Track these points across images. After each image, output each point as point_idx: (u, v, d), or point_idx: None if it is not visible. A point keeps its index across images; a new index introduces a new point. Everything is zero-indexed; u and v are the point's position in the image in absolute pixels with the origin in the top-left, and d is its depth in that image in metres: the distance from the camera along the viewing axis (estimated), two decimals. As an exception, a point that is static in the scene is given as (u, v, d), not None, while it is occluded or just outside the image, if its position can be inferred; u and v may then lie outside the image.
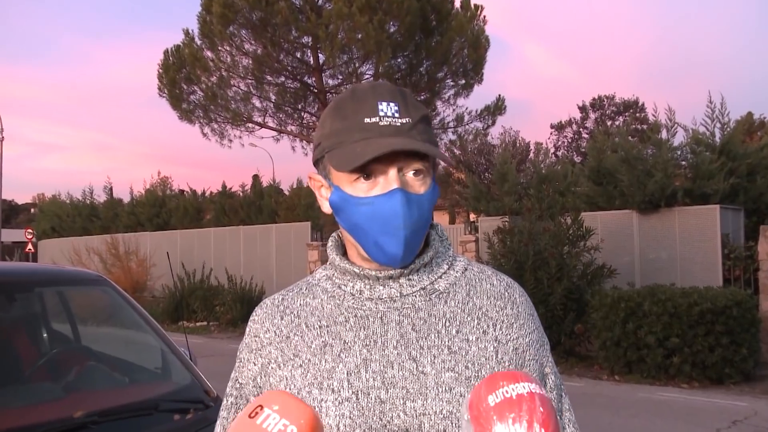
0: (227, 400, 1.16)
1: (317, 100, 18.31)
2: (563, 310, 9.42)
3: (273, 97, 18.71)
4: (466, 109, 19.33)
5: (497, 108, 19.28)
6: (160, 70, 17.96)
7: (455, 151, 29.40)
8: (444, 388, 1.00)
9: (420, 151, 1.00)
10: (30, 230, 25.44)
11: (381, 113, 1.01)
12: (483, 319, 1.07)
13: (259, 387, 1.11)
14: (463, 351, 1.03)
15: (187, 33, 17.28)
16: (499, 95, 19.30)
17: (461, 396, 1.00)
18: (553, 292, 9.39)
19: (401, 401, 1.00)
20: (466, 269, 1.13)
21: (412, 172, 1.02)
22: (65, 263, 18.42)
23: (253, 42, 17.06)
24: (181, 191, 25.77)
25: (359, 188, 1.03)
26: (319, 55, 17.28)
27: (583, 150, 31.52)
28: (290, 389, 1.05)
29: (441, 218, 30.70)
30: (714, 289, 8.67)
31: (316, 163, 1.11)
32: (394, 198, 1.00)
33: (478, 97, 50.79)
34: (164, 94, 18.11)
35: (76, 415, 2.59)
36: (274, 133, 19.27)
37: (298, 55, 17.77)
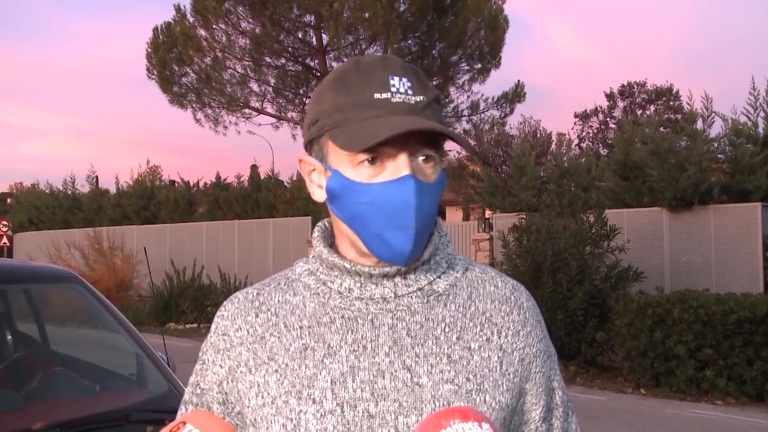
0: (186, 408, 1.11)
1: (320, 85, 18.25)
2: (584, 316, 9.36)
3: (272, 81, 18.68)
4: (482, 95, 19.26)
5: (516, 95, 19.20)
6: (149, 50, 17.95)
7: (470, 141, 29.28)
8: (442, 403, 0.96)
9: (443, 132, 0.95)
10: (5, 222, 25.49)
11: (393, 89, 0.96)
12: (487, 325, 1.04)
13: (225, 393, 1.06)
14: (464, 360, 1.00)
15: (178, 9, 17.26)
16: (519, 81, 19.24)
17: None
18: (574, 296, 9.33)
19: (393, 416, 0.95)
20: (467, 269, 1.10)
21: (423, 157, 0.98)
22: (43, 259, 18.48)
23: (250, 20, 17.02)
24: (172, 182, 25.81)
25: (363, 173, 0.97)
26: (323, 35, 17.23)
27: (610, 141, 31.36)
28: (263, 397, 0.99)
29: (454, 214, 30.63)
30: (753, 296, 8.57)
31: (310, 143, 1.04)
32: (406, 185, 0.95)
33: (496, 83, 50.75)
34: (153, 76, 18.09)
35: (35, 428, 2.53)
36: (274, 120, 19.25)
37: (300, 36, 17.71)
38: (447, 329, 1.01)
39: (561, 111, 75.01)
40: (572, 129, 41.88)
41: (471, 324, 1.03)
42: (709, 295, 8.65)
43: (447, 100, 19.58)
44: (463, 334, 1.02)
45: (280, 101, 19.04)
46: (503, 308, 1.06)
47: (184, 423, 0.90)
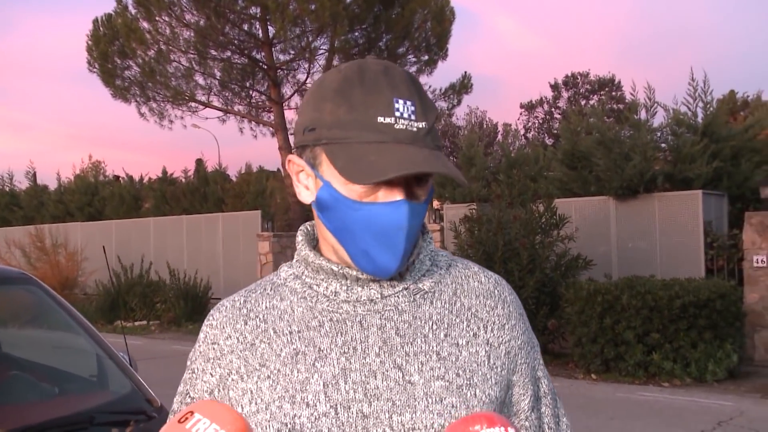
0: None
1: (267, 77, 18.10)
2: (536, 305, 9.50)
3: (218, 74, 18.44)
4: (430, 87, 19.33)
5: (463, 86, 19.34)
6: (90, 42, 17.52)
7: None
8: (434, 399, 0.98)
9: (449, 176, 0.96)
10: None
11: (397, 113, 0.95)
12: (473, 321, 1.06)
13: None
14: (453, 357, 1.02)
15: (119, 1, 16.87)
16: (465, 72, 19.38)
17: (453, 407, 0.98)
18: (525, 285, 9.46)
19: (387, 415, 0.97)
20: (450, 265, 1.11)
21: (417, 181, 1.00)
22: (-16, 258, 17.91)
23: (195, 12, 16.75)
24: (117, 177, 25.28)
25: (355, 191, 0.97)
26: (269, 27, 17.08)
27: (556, 132, 31.88)
28: (256, 404, 1.00)
29: (403, 206, 30.76)
30: (696, 281, 8.85)
31: (302, 147, 1.04)
32: (399, 210, 0.96)
33: (443, 75, 50.93)
34: (95, 69, 17.68)
35: (-6, 435, 2.48)
36: (220, 114, 19.03)
37: (246, 28, 17.52)
38: (435, 326, 1.03)
39: (507, 102, 75.80)
40: (518, 119, 42.57)
41: (458, 320, 1.05)
42: (656, 281, 8.89)
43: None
44: (451, 330, 1.04)
45: (227, 94, 18.81)
46: (488, 303, 1.08)
47: (192, 413, 0.89)
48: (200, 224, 18.49)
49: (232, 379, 1.04)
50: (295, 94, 18.73)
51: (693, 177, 11.58)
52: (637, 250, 11.89)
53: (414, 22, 17.29)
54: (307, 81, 18.40)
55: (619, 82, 39.68)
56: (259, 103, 19.17)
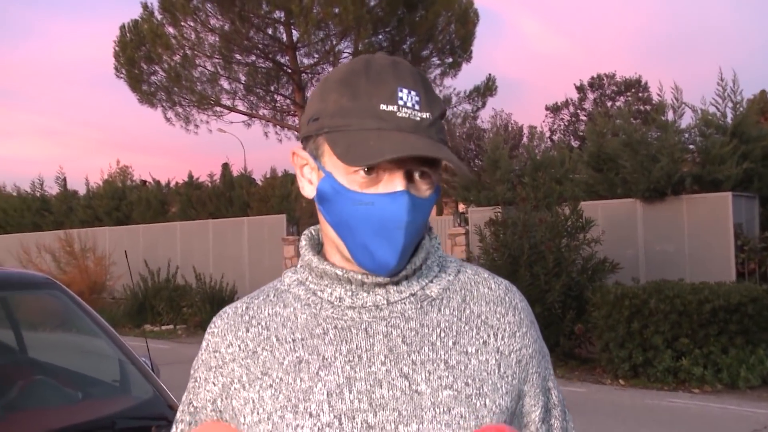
0: (176, 428, 1.09)
1: (291, 81, 18.17)
2: (562, 309, 9.41)
3: (243, 78, 18.57)
4: (454, 90, 19.34)
5: (487, 88, 19.30)
6: (117, 48, 17.74)
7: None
8: (442, 409, 0.95)
9: (446, 161, 0.94)
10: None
11: (400, 102, 0.94)
12: (482, 328, 1.03)
13: (220, 411, 1.04)
14: (462, 365, 0.99)
15: (145, 6, 17.07)
16: (490, 74, 19.33)
17: (461, 417, 0.95)
18: (551, 289, 9.38)
19: (393, 425, 0.94)
20: (459, 271, 1.08)
21: (420, 173, 0.97)
22: (13, 263, 18.15)
23: (219, 17, 16.89)
24: (144, 182, 25.49)
25: (356, 181, 0.95)
26: (293, 31, 17.15)
27: (581, 134, 31.64)
28: (258, 413, 0.98)
29: (428, 209, 30.68)
30: (727, 285, 8.69)
31: (306, 138, 1.02)
32: (399, 201, 0.94)
33: (467, 77, 50.87)
34: (122, 75, 17.89)
35: (19, 439, 2.49)
36: (245, 118, 19.15)
37: (270, 32, 17.61)
38: (443, 334, 1.01)
39: (532, 104, 75.43)
40: (543, 122, 42.22)
41: (467, 327, 1.02)
42: (684, 284, 8.75)
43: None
44: (459, 338, 1.01)
45: (251, 98, 18.94)
46: (498, 310, 1.05)
47: None
48: (226, 228, 18.59)
49: (235, 388, 1.02)
50: (320, 98, 18.75)
51: (722, 179, 11.41)
52: (664, 254, 11.73)
53: (438, 25, 17.27)
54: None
55: (646, 83, 39.33)
56: (284, 107, 19.26)
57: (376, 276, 0.99)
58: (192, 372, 1.09)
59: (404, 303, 1.01)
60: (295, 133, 18.70)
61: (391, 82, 0.95)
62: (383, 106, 0.94)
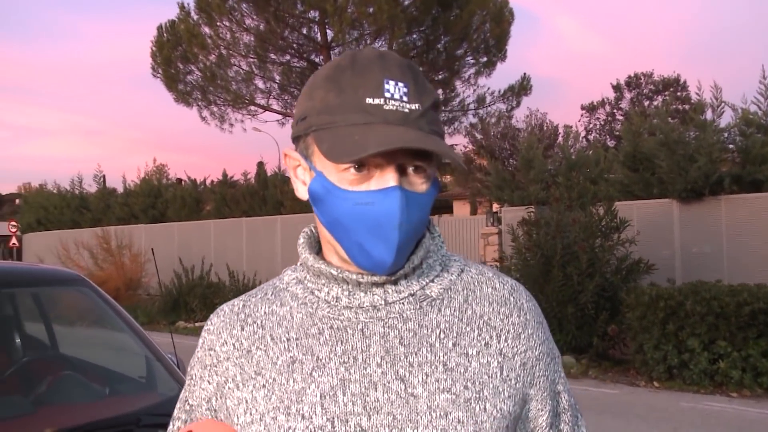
0: (173, 425, 1.08)
1: (325, 80, 18.23)
2: (595, 309, 9.30)
3: (277, 78, 18.68)
4: (488, 89, 19.24)
5: (522, 88, 19.17)
6: (154, 48, 17.96)
7: (476, 135, 29.23)
8: (438, 414, 0.92)
9: (434, 151, 0.91)
10: (14, 223, 25.55)
11: (387, 94, 0.91)
12: (485, 329, 0.99)
13: (215, 410, 1.03)
14: (462, 367, 0.95)
15: (182, 7, 17.26)
16: (525, 74, 19.22)
17: (459, 422, 0.91)
18: (584, 290, 9.27)
19: (386, 430, 0.91)
20: (462, 271, 1.04)
21: (414, 167, 0.93)
22: (52, 259, 18.50)
23: (254, 17, 17.01)
24: (179, 180, 25.80)
25: (348, 179, 0.92)
26: (327, 31, 17.20)
27: (617, 133, 31.25)
28: (251, 414, 0.96)
29: (461, 208, 30.56)
30: (767, 287, 8.48)
31: (296, 138, 1.00)
32: (391, 197, 0.90)
33: (502, 76, 50.61)
34: (158, 74, 18.11)
35: (45, 433, 2.50)
36: (279, 117, 19.27)
37: (305, 32, 17.69)
38: (442, 335, 0.97)
39: (567, 103, 74.75)
40: (579, 121, 41.83)
41: (468, 329, 0.98)
42: (722, 286, 8.56)
43: (453, 94, 19.53)
44: (460, 339, 0.97)
45: (286, 98, 19.04)
46: (502, 310, 1.01)
47: None
48: (259, 226, 18.71)
49: (229, 387, 1.00)
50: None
51: (763, 179, 11.17)
52: (701, 255, 11.52)
53: (472, 24, 17.20)
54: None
55: (685, 82, 38.68)
56: (318, 106, 19.34)
57: (372, 275, 0.96)
58: (189, 369, 1.08)
59: (402, 303, 0.97)
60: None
61: (377, 75, 0.91)
62: (369, 100, 0.90)
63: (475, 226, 16.47)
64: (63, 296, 3.77)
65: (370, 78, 0.91)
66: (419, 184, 0.93)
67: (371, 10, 15.43)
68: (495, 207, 16.45)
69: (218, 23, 17.09)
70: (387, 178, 0.91)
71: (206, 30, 17.29)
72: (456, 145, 35.66)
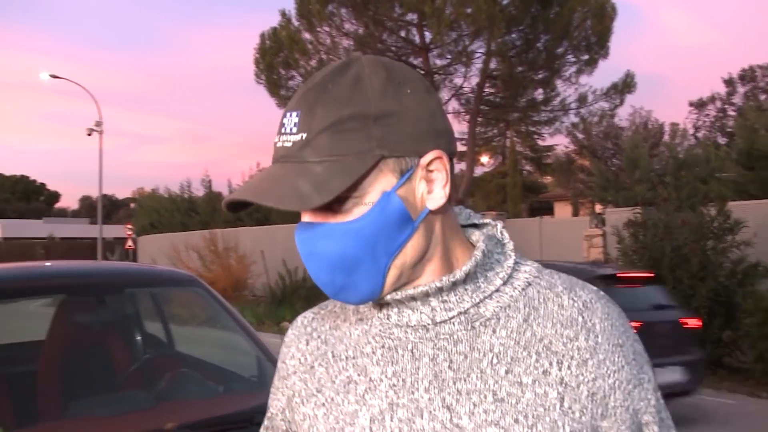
0: (262, 429, 1.09)
1: (424, 83, 18.26)
2: (708, 315, 8.91)
3: (376, 81, 18.83)
4: (590, 87, 18.79)
5: (626, 85, 18.63)
6: (257, 55, 18.48)
7: (577, 135, 28.60)
8: None
9: (244, 201, 0.87)
10: (129, 226, 26.83)
11: (283, 129, 0.86)
12: (544, 355, 0.87)
13: (288, 422, 1.02)
14: (513, 398, 0.85)
15: (283, 14, 17.67)
16: (628, 70, 18.63)
17: None
18: (696, 294, 8.91)
19: None
20: (529, 284, 0.92)
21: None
22: (164, 260, 19.31)
23: (353, 21, 17.23)
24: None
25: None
26: (426, 33, 17.22)
27: (730, 130, 29.89)
28: (315, 431, 0.95)
29: (563, 210, 29.96)
30: None
31: None
32: (297, 232, 0.89)
33: (604, 74, 49.12)
34: (261, 81, 18.60)
35: (167, 427, 2.61)
36: (378, 120, 19.40)
37: (403, 34, 17.78)
38: (494, 360, 0.87)
39: (673, 100, 72.13)
40: (687, 119, 40.27)
41: (525, 353, 0.88)
42: None
43: (553, 93, 19.19)
44: (514, 366, 0.87)
45: (385, 101, 19.19)
46: (566, 333, 0.88)
47: None
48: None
49: (296, 402, 0.99)
50: (452, 99, 18.76)
51: None
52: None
53: (573, 21, 16.83)
54: (464, 85, 18.35)
55: (805, 74, 36.50)
56: (417, 109, 19.38)
57: (406, 289, 0.90)
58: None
59: (453, 323, 0.89)
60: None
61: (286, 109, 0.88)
62: (276, 138, 0.88)
63: (578, 228, 16.11)
64: (179, 296, 3.92)
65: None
66: (342, 215, 0.86)
67: (469, 10, 15.33)
68: (598, 208, 16.03)
69: (318, 29, 17.41)
70: (304, 213, 0.89)
71: (307, 36, 17.65)
72: (557, 145, 34.99)
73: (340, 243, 0.85)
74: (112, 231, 39.50)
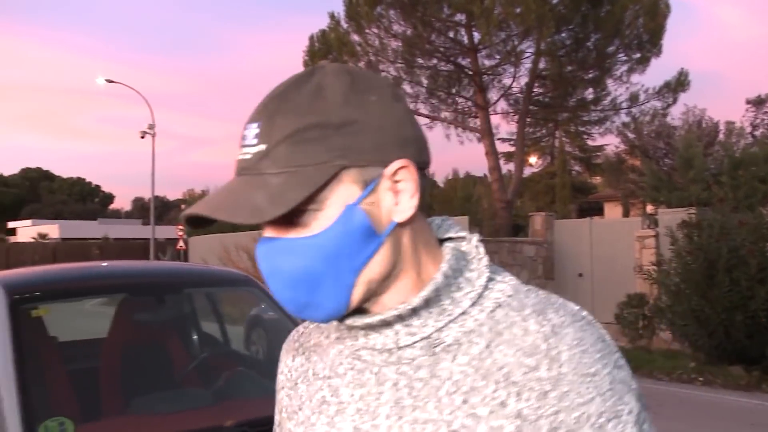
0: None
1: (472, 83, 18.19)
2: (767, 318, 8.69)
3: (425, 82, 18.85)
4: (642, 86, 18.53)
5: (679, 83, 18.31)
6: (306, 57, 18.66)
7: (628, 134, 28.15)
8: None
9: (204, 217, 0.81)
10: (181, 227, 27.25)
11: (244, 141, 0.82)
12: (503, 385, 0.80)
13: None
14: (468, 431, 0.79)
15: (332, 16, 17.80)
16: (682, 68, 18.33)
17: None
18: (754, 296, 8.70)
19: None
20: (499, 305, 0.85)
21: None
22: (214, 261, 19.60)
23: (402, 23, 17.26)
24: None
25: None
26: (474, 33, 17.16)
27: (788, 128, 29.06)
28: None
29: (613, 210, 29.50)
30: None
31: None
32: (257, 248, 0.83)
33: (656, 72, 48.40)
34: (311, 83, 18.77)
35: (227, 425, 2.66)
36: (427, 121, 19.40)
37: (451, 35, 17.74)
38: (453, 389, 0.81)
39: (729, 98, 70.32)
40: (743, 117, 39.17)
41: (483, 383, 0.81)
42: None
43: (603, 92, 18.94)
44: (471, 396, 0.80)
45: (433, 101, 19.18)
46: (527, 361, 0.80)
47: None
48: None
49: (283, 417, 0.97)
50: (501, 99, 18.65)
51: None
52: None
53: (625, 19, 16.59)
54: (513, 86, 18.23)
55: None
56: (465, 109, 19.32)
57: (369, 315, 0.86)
58: None
59: (414, 348, 0.84)
60: (477, 135, 18.68)
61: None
62: (238, 152, 0.84)
63: (629, 229, 15.86)
64: (234, 296, 3.99)
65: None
66: (306, 228, 0.81)
67: (519, 10, 15.22)
68: (650, 209, 15.75)
69: (367, 30, 17.50)
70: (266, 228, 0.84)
71: (355, 38, 17.76)
72: (607, 145, 34.46)
73: (302, 258, 0.81)
74: (164, 232, 40.16)
